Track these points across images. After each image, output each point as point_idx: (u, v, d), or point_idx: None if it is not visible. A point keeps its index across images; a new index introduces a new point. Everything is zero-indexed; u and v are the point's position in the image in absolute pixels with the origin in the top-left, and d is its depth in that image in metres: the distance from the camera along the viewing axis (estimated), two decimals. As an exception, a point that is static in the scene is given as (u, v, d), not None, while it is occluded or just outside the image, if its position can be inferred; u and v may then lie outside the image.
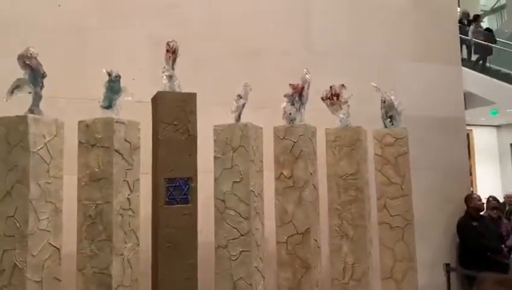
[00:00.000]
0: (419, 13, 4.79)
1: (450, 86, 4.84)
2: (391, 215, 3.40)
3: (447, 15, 5.02)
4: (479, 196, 4.96)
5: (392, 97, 3.51)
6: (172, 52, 2.89)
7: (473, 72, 9.45)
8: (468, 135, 10.92)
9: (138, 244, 2.64)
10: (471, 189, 10.31)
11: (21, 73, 2.51)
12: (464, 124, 4.96)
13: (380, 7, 4.61)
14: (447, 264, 4.15)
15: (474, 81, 9.07)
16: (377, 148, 3.51)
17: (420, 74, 4.69)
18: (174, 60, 2.91)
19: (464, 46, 9.47)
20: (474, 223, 4.66)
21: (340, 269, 3.20)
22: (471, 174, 10.98)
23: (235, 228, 2.81)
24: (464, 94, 9.24)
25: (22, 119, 2.37)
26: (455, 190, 4.72)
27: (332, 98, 3.30)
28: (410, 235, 3.38)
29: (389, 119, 3.51)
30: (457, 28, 5.16)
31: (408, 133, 3.53)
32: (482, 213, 5.01)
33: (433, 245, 4.48)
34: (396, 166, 3.42)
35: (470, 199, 4.74)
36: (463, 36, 8.42)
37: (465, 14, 10.14)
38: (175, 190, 2.77)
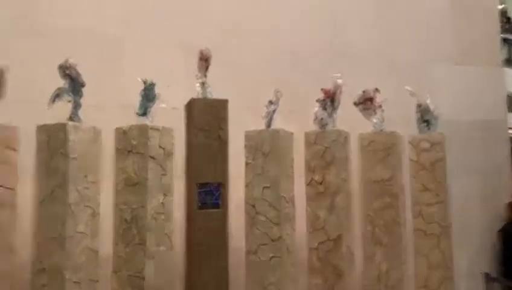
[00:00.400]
0: (456, 13, 4.64)
1: (490, 88, 4.66)
2: (426, 223, 3.30)
3: (486, 14, 4.83)
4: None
5: (428, 101, 3.42)
6: (205, 60, 2.96)
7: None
8: (512, 139, 10.52)
9: (171, 247, 2.71)
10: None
11: (61, 82, 2.64)
12: (506, 127, 4.76)
13: (415, 7, 4.49)
14: (487, 274, 3.99)
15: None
16: (413, 154, 3.42)
17: (459, 77, 4.55)
18: (206, 68, 2.97)
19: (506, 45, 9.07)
20: (516, 231, 4.46)
21: (374, 277, 3.15)
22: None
23: (266, 233, 2.82)
24: (509, 96, 8.92)
25: (62, 126, 2.49)
26: (497, 195, 4.53)
27: (366, 102, 3.26)
28: (446, 243, 3.27)
29: (425, 124, 3.42)
30: (498, 27, 4.95)
31: (446, 138, 3.42)
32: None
33: (472, 253, 4.32)
34: (432, 172, 3.33)
35: (510, 205, 4.53)
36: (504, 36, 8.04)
37: (503, 12, 9.69)
38: (207, 195, 2.83)
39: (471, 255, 4.29)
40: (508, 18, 9.43)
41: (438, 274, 3.28)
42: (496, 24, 4.97)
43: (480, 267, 4.32)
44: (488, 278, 4.04)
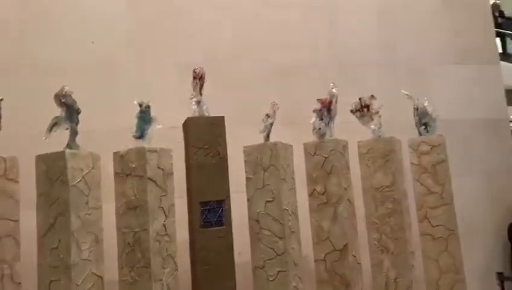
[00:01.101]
0: (449, 13, 4.63)
1: (489, 86, 4.63)
2: (433, 226, 3.28)
3: (480, 12, 4.81)
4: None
5: (425, 104, 3.42)
6: (199, 79, 2.97)
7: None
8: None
9: (176, 269, 2.69)
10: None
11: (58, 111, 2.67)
12: (508, 125, 4.73)
13: (408, 11, 4.50)
14: (500, 273, 3.93)
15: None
16: (413, 158, 3.41)
17: (457, 76, 4.53)
18: (201, 86, 2.98)
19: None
20: (526, 228, 4.40)
21: (382, 285, 3.12)
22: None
23: (271, 248, 2.80)
24: (506, 90, 8.88)
25: (60, 155, 2.50)
26: (504, 193, 4.48)
27: (362, 109, 3.26)
28: (454, 245, 3.24)
29: (423, 127, 3.41)
30: (492, 24, 4.95)
31: (447, 138, 3.41)
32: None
33: (484, 253, 4.27)
34: (435, 174, 3.31)
35: (520, 202, 4.49)
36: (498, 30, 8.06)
37: (496, 6, 9.70)
38: (209, 213, 2.82)
39: (483, 256, 4.23)
40: (501, 12, 9.44)
41: (448, 278, 3.24)
42: (490, 21, 4.95)
43: (494, 267, 4.25)
44: (501, 277, 3.97)
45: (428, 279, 3.30)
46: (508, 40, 9.77)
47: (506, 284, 4.03)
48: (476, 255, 4.07)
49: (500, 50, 8.71)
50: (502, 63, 5.51)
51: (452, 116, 4.22)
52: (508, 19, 10.25)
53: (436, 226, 3.27)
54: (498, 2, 9.51)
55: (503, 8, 10.50)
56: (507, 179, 4.57)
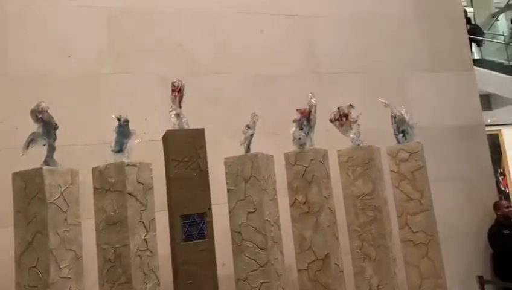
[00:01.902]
0: (423, 22, 4.75)
1: (464, 92, 4.75)
2: (413, 232, 3.32)
3: (453, 20, 4.94)
4: (507, 202, 4.79)
5: (403, 112, 3.48)
6: (178, 91, 2.97)
7: (490, 71, 9.23)
8: (497, 136, 10.66)
9: (159, 283, 2.67)
10: (507, 191, 9.99)
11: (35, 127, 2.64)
12: (484, 130, 4.84)
13: (383, 20, 4.59)
14: (480, 277, 4.00)
15: (495, 81, 8.87)
16: (392, 165, 3.46)
17: (432, 84, 4.63)
18: (180, 99, 2.98)
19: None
20: (505, 231, 4.49)
21: (365, 292, 3.14)
22: (505, 175, 10.63)
23: (254, 260, 2.80)
24: (488, 95, 9.09)
25: (38, 171, 2.47)
26: (481, 198, 4.58)
27: (341, 118, 3.30)
28: (435, 251, 3.29)
29: (401, 134, 3.47)
30: (466, 31, 5.07)
31: (425, 145, 3.47)
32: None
33: (464, 258, 4.34)
34: (414, 181, 3.36)
35: (498, 206, 4.58)
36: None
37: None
38: (191, 226, 2.80)
39: (463, 260, 4.30)
40: (468, 18, 9.68)
41: (430, 283, 3.28)
42: (463, 28, 5.09)
43: (474, 271, 4.32)
44: (482, 280, 4.04)
45: (410, 285, 3.33)
46: (473, 46, 10.00)
47: (487, 287, 4.10)
48: (456, 259, 4.13)
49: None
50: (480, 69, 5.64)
51: (428, 123, 4.31)
52: (474, 25, 10.53)
53: (417, 232, 3.31)
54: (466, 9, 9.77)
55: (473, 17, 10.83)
56: (485, 184, 4.67)
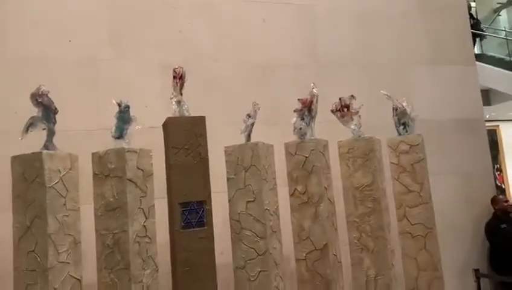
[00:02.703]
0: (425, 15, 4.73)
1: (466, 87, 4.74)
2: (412, 224, 3.33)
3: (456, 14, 4.92)
4: (505, 197, 4.81)
5: (404, 104, 3.46)
6: (179, 78, 2.94)
7: (491, 67, 9.21)
8: (495, 131, 10.67)
9: (157, 270, 2.67)
10: (504, 187, 10.03)
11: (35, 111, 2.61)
12: (484, 124, 4.84)
13: (386, 12, 4.57)
14: (476, 270, 4.02)
15: (494, 76, 8.85)
16: (393, 157, 3.46)
17: (434, 77, 4.62)
18: (181, 86, 2.95)
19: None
20: (503, 226, 4.51)
21: (362, 283, 3.15)
22: (501, 171, 10.66)
23: (252, 248, 2.80)
24: (487, 90, 9.08)
25: (37, 156, 2.45)
26: (479, 192, 4.60)
27: (343, 109, 3.28)
28: (433, 243, 3.29)
29: (402, 127, 3.46)
30: (469, 26, 5.05)
31: (425, 138, 3.47)
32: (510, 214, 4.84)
33: (461, 251, 4.36)
34: (414, 173, 3.36)
35: (496, 200, 4.60)
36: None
37: (468, 7, 9.92)
38: (190, 214, 2.79)
39: (459, 253, 4.32)
40: (471, 14, 9.63)
41: (427, 275, 3.30)
42: (466, 23, 5.07)
43: (470, 264, 4.34)
44: (478, 274, 4.06)
45: (408, 276, 3.35)
46: (477, 40, 9.96)
47: (483, 280, 4.12)
48: (453, 252, 4.15)
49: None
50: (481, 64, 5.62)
51: (429, 116, 4.30)
52: (477, 20, 10.48)
53: (415, 224, 3.32)
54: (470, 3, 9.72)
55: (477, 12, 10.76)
56: (483, 178, 4.68)
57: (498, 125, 10.86)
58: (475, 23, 9.60)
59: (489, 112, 9.02)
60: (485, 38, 10.18)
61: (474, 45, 9.63)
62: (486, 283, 4.34)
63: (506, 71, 9.22)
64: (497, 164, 10.17)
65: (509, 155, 11.04)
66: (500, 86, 9.11)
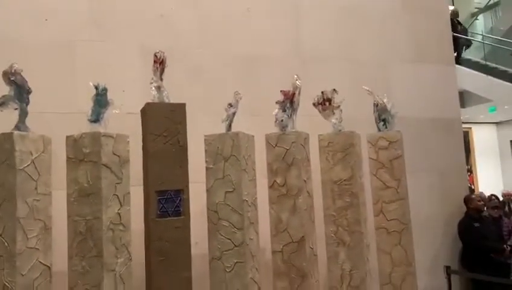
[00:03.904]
0: (409, 14, 4.77)
1: (444, 86, 4.81)
2: (388, 220, 3.36)
3: (438, 14, 4.99)
4: (478, 196, 4.91)
5: (385, 100, 3.48)
6: (160, 63, 2.87)
7: (469, 70, 9.41)
8: (467, 133, 10.94)
9: (130, 259, 2.61)
10: (473, 188, 10.31)
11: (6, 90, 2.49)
12: (460, 124, 4.93)
13: (369, 11, 4.59)
14: (448, 267, 4.09)
15: (470, 79, 9.04)
16: (372, 152, 3.47)
17: (413, 75, 4.67)
18: (162, 71, 2.88)
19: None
20: (476, 224, 4.60)
21: (337, 277, 3.16)
22: (471, 172, 10.95)
23: (229, 239, 2.77)
24: (462, 92, 9.28)
25: (8, 136, 2.35)
26: (453, 190, 4.69)
27: (324, 103, 3.27)
28: (407, 239, 3.33)
29: (382, 123, 3.48)
30: (449, 26, 5.13)
31: (403, 135, 3.49)
32: (482, 213, 4.95)
33: (433, 248, 4.44)
34: (391, 170, 3.38)
35: (470, 199, 4.69)
36: (457, 35, 8.40)
37: (455, 14, 10.08)
38: (167, 203, 2.73)
39: (431, 250, 4.40)
40: (458, 21, 9.81)
41: (400, 270, 3.34)
42: (447, 24, 5.14)
43: (442, 261, 4.42)
44: (449, 271, 4.13)
45: (381, 271, 3.38)
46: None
47: (453, 277, 4.20)
48: (424, 249, 4.21)
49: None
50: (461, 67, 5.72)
51: (408, 113, 4.34)
52: (464, 27, 10.68)
53: (391, 220, 3.35)
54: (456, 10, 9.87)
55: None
56: (457, 177, 4.77)
57: (470, 128, 11.14)
58: (463, 30, 9.75)
59: (462, 114, 9.23)
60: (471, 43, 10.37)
61: (462, 52, 9.81)
62: (457, 280, 4.44)
63: (481, 74, 9.43)
64: (467, 165, 10.44)
65: (480, 157, 11.36)
66: (475, 89, 9.32)
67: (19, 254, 2.28)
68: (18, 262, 2.28)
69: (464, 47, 9.94)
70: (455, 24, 9.03)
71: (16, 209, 2.30)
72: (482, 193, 5.08)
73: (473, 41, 10.50)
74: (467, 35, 10.23)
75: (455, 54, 9.65)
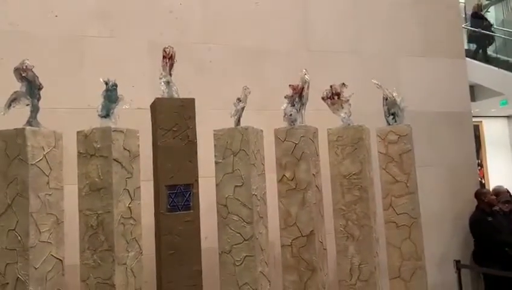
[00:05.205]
0: (419, 7, 4.72)
1: (454, 80, 4.77)
2: (397, 214, 3.35)
3: (449, 7, 4.93)
4: (490, 191, 4.87)
5: (394, 94, 3.46)
6: (169, 58, 2.88)
7: (480, 63, 9.30)
8: (478, 127, 10.83)
9: (141, 252, 2.63)
10: (483, 182, 10.22)
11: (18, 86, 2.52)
12: (470, 118, 4.88)
13: (379, 3, 4.55)
14: (458, 261, 4.08)
15: (481, 72, 8.94)
16: (381, 147, 3.46)
17: (424, 69, 4.63)
18: (171, 66, 2.89)
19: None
20: (489, 219, 4.55)
21: (347, 270, 3.16)
22: (482, 166, 10.86)
23: (239, 233, 2.78)
24: (472, 86, 9.20)
25: (20, 132, 2.37)
26: (464, 185, 4.65)
27: (333, 97, 3.26)
28: (417, 233, 3.32)
29: (391, 117, 3.46)
30: (460, 19, 5.08)
31: (412, 129, 3.47)
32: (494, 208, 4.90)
33: (443, 242, 4.42)
34: (401, 164, 3.37)
35: (483, 194, 4.64)
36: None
37: (479, 7, 9.88)
38: (176, 197, 2.76)
39: (441, 244, 4.38)
40: (482, 15, 9.66)
41: (410, 265, 3.33)
42: (458, 17, 5.08)
43: (452, 255, 4.41)
44: (459, 265, 4.12)
45: (391, 265, 3.37)
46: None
47: (463, 271, 4.19)
48: (435, 243, 4.20)
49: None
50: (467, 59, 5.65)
51: (417, 107, 4.32)
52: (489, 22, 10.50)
53: (401, 214, 3.34)
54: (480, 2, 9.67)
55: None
56: (468, 171, 4.73)
57: (481, 121, 11.04)
58: (488, 25, 9.54)
59: (473, 107, 9.15)
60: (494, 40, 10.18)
61: (487, 47, 9.62)
62: (467, 275, 4.42)
63: (493, 67, 9.33)
64: (478, 159, 10.36)
65: (490, 151, 11.26)
66: (486, 82, 9.23)
67: (31, 247, 2.31)
68: (31, 256, 2.30)
69: (487, 42, 9.76)
70: (480, 18, 8.79)
71: (29, 204, 2.33)
72: (501, 186, 5.00)
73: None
74: (492, 31, 10.04)
75: (480, 51, 9.49)
